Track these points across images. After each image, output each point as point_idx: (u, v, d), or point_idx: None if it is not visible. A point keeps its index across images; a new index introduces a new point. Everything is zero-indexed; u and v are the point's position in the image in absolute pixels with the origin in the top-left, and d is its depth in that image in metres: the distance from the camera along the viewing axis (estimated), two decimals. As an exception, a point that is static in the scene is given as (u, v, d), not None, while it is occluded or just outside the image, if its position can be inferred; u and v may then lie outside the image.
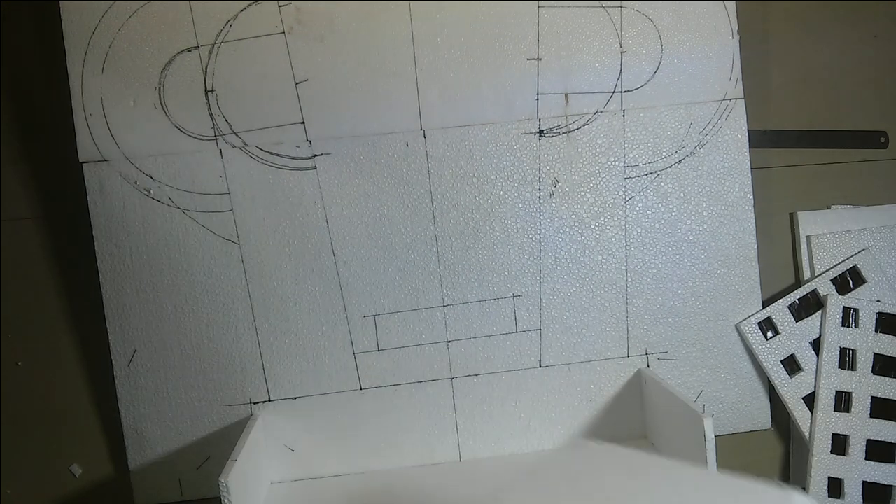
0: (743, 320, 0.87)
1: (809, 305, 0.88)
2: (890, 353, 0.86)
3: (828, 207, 0.91)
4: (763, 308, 0.87)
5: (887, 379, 0.86)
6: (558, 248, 0.86)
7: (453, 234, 0.85)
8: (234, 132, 0.83)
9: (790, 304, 0.88)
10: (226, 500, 0.68)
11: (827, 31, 0.91)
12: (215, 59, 0.82)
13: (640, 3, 0.84)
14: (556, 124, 0.85)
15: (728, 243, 0.87)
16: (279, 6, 0.82)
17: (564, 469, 0.83)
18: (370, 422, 0.85)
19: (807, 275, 0.90)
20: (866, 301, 0.87)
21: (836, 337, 0.86)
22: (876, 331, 0.86)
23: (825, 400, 0.86)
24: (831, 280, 0.88)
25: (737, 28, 0.85)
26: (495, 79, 0.84)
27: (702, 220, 0.86)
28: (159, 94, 0.82)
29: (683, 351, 0.87)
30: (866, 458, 0.85)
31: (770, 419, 0.89)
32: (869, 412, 0.85)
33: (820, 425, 0.86)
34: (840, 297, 0.87)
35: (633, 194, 0.86)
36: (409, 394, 0.85)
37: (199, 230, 0.83)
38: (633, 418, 0.87)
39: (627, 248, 0.86)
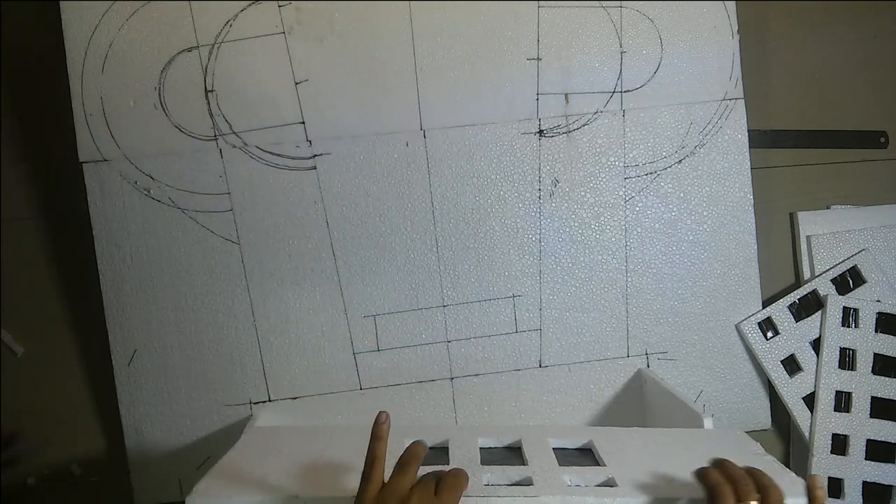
0: (743, 320, 0.87)
1: (809, 305, 0.88)
2: (890, 353, 0.86)
3: (828, 207, 0.91)
4: (763, 308, 0.87)
5: (887, 379, 0.86)
6: (558, 248, 0.86)
7: (453, 234, 0.85)
8: (234, 132, 0.83)
9: (790, 304, 0.88)
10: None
11: (827, 31, 0.91)
12: (215, 59, 0.82)
13: (640, 3, 0.84)
14: (556, 124, 0.85)
15: (728, 243, 0.87)
16: (279, 6, 0.82)
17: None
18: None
19: (807, 275, 0.90)
20: (866, 301, 0.87)
21: (836, 337, 0.86)
22: (876, 331, 0.86)
23: (825, 400, 0.86)
24: (831, 280, 0.88)
25: (737, 28, 0.85)
26: (495, 79, 0.84)
27: (702, 220, 0.86)
28: (159, 94, 0.82)
29: (683, 351, 0.87)
30: (866, 458, 0.85)
31: (770, 419, 0.89)
32: (869, 412, 0.85)
33: (820, 425, 0.86)
34: (840, 297, 0.87)
35: (633, 194, 0.86)
36: (409, 394, 0.85)
37: (199, 230, 0.83)
38: (633, 418, 0.87)
39: (627, 248, 0.86)
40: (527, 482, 0.59)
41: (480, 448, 0.66)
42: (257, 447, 0.70)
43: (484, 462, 0.63)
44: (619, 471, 0.60)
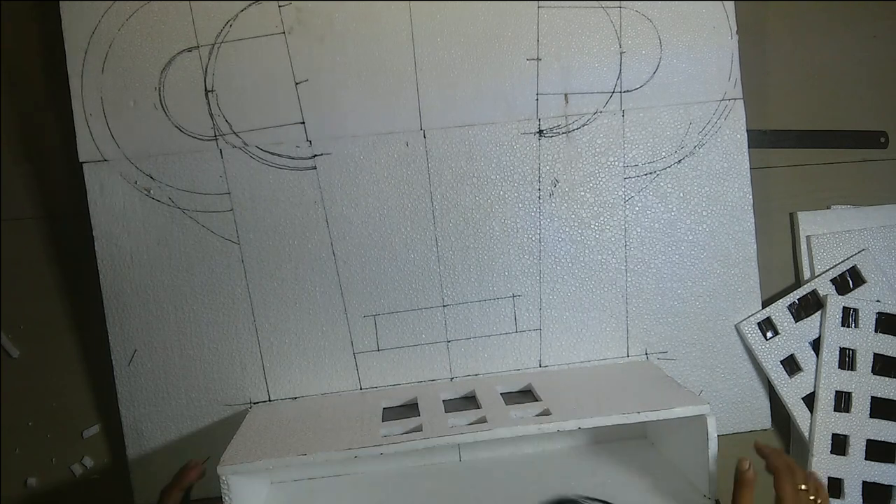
0: (743, 320, 0.87)
1: (809, 305, 0.88)
2: (890, 353, 0.86)
3: (828, 207, 0.91)
4: (763, 308, 0.87)
5: (887, 379, 0.86)
6: (558, 247, 0.86)
7: (453, 234, 0.85)
8: (234, 132, 0.83)
9: (790, 305, 0.88)
10: (227, 499, 0.68)
11: (826, 31, 0.91)
12: (215, 59, 0.82)
13: (639, 3, 0.84)
14: (555, 124, 0.85)
15: (727, 243, 0.87)
16: (279, 6, 0.82)
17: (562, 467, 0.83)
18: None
19: (807, 275, 0.90)
20: (866, 301, 0.87)
21: (836, 337, 0.86)
22: (876, 331, 0.86)
23: (825, 400, 0.86)
24: (831, 280, 0.88)
25: (736, 28, 0.85)
26: (495, 79, 0.84)
27: (701, 220, 0.86)
28: (159, 94, 0.82)
29: (683, 351, 0.87)
30: (866, 458, 0.85)
31: (770, 419, 0.89)
32: (869, 412, 0.85)
33: (820, 425, 0.86)
34: (840, 297, 0.87)
35: (633, 194, 0.86)
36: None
37: (199, 230, 0.83)
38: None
39: (627, 247, 0.86)
40: (482, 420, 0.73)
41: (443, 400, 0.80)
42: (262, 422, 0.79)
43: (447, 410, 0.77)
44: (553, 403, 0.75)
